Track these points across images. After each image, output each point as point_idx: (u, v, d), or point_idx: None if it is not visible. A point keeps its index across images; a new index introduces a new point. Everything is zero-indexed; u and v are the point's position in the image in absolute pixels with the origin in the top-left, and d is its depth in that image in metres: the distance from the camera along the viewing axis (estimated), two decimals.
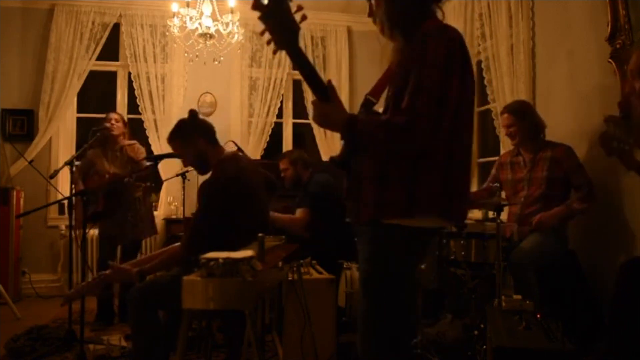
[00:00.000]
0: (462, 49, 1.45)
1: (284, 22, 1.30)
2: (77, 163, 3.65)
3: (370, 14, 1.61)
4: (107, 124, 3.73)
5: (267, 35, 1.32)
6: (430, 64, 1.38)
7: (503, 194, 3.27)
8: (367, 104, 1.60)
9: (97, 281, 2.35)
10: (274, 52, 1.38)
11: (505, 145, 3.73)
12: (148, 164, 3.46)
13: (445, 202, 1.44)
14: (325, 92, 1.45)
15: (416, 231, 1.46)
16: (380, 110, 1.57)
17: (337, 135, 5.87)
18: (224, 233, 2.21)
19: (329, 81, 1.47)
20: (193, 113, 2.49)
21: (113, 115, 3.85)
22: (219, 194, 2.28)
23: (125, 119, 4.07)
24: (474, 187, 4.19)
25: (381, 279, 1.50)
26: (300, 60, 1.37)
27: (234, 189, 2.30)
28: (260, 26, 1.32)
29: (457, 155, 1.47)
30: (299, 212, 3.44)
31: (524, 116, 2.99)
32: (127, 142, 3.87)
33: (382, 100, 1.60)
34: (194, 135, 2.42)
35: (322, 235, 3.42)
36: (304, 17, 1.32)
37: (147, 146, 4.79)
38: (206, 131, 2.46)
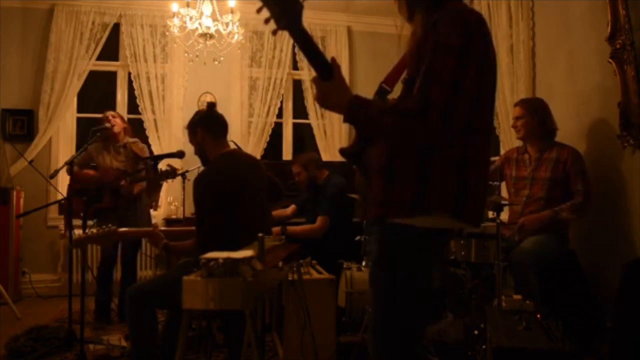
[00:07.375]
0: (481, 34, 1.30)
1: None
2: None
3: None
4: (107, 124, 3.78)
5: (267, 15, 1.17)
6: (444, 48, 1.25)
7: (504, 190, 3.27)
8: (381, 93, 1.48)
9: (109, 232, 2.34)
10: (274, 33, 1.22)
11: (506, 145, 3.74)
12: (152, 163, 3.47)
13: (458, 200, 1.31)
14: (328, 71, 1.29)
15: (426, 231, 1.33)
16: None
17: (338, 135, 5.81)
18: (221, 229, 2.21)
19: (333, 58, 1.31)
20: (209, 105, 2.53)
21: (110, 113, 3.93)
22: (206, 190, 2.29)
23: (125, 118, 4.09)
24: None
25: (388, 282, 1.40)
26: (302, 39, 1.22)
27: (221, 185, 2.29)
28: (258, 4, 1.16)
29: (474, 150, 1.32)
30: (319, 220, 3.43)
31: (535, 112, 2.97)
32: (130, 139, 3.93)
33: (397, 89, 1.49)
34: (197, 126, 2.45)
35: (324, 236, 3.42)
36: None
37: (147, 146, 4.79)
38: (210, 124, 2.45)
